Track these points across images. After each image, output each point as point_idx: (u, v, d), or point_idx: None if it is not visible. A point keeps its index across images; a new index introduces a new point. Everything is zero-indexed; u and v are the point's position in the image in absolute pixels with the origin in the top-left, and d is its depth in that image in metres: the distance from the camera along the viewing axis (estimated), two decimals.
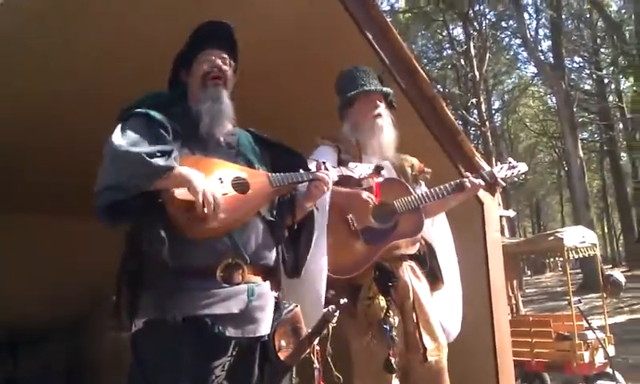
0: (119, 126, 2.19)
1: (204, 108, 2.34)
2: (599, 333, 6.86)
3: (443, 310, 3.20)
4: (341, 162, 3.06)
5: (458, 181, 3.15)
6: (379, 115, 3.18)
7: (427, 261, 3.16)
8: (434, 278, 3.18)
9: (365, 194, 2.96)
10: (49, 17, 3.50)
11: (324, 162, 2.53)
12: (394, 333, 2.86)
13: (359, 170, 2.69)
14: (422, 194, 3.09)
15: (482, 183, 3.16)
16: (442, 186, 3.11)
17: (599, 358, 6.75)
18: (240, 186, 2.24)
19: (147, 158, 2.06)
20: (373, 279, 2.92)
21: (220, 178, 2.22)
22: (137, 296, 2.16)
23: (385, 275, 2.93)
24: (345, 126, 3.24)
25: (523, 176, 3.36)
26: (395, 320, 2.90)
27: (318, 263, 2.79)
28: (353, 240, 2.96)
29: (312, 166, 2.53)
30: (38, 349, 6.59)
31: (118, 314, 2.19)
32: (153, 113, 2.26)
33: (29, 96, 4.26)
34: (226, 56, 2.48)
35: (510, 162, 3.34)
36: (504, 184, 3.50)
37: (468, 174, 3.21)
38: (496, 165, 3.38)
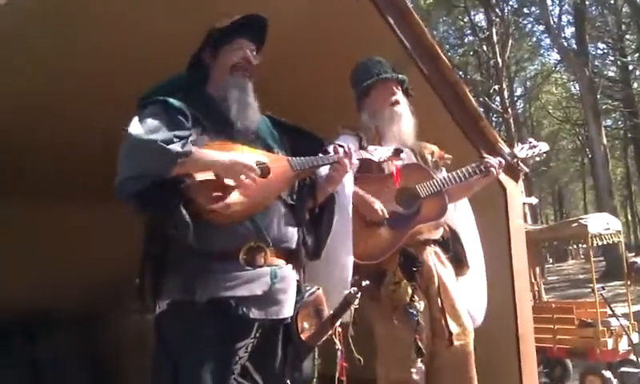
0: (136, 117, 2.19)
1: (232, 96, 2.35)
2: (623, 320, 6.81)
3: (468, 295, 3.20)
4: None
5: (479, 162, 3.14)
6: (397, 102, 3.18)
7: (450, 246, 3.16)
8: (459, 263, 3.18)
9: (378, 206, 2.95)
10: (50, 15, 3.52)
11: (341, 145, 2.53)
12: (420, 318, 2.87)
13: (379, 153, 2.68)
14: (444, 178, 3.09)
15: (504, 164, 3.15)
16: (463, 169, 3.11)
17: (623, 345, 6.71)
18: (261, 170, 2.25)
19: (164, 145, 2.05)
20: (398, 264, 2.93)
21: None
22: (161, 279, 2.18)
23: (409, 260, 2.93)
24: (363, 115, 3.24)
25: (544, 155, 3.35)
26: (421, 305, 2.91)
27: (345, 248, 2.80)
28: (377, 226, 2.96)
29: (331, 149, 2.54)
30: (56, 333, 6.66)
31: (142, 297, 2.21)
32: (171, 100, 2.26)
33: (31, 93, 4.31)
34: (254, 48, 2.48)
35: (530, 142, 3.34)
36: (527, 169, 3.48)
37: (489, 156, 3.19)
38: (516, 145, 3.36)
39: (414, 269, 2.92)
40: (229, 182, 2.15)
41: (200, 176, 2.12)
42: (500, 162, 3.13)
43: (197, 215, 2.09)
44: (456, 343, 2.95)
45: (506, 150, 3.64)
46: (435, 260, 3.05)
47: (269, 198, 2.27)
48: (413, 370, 2.86)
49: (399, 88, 3.24)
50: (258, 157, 2.28)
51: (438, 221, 3.08)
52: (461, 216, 3.35)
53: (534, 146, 3.29)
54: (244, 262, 2.18)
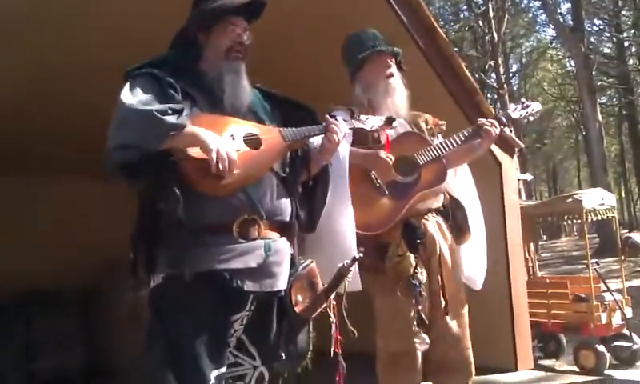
0: (127, 85, 2.17)
1: (226, 80, 2.32)
2: (617, 295, 6.83)
3: (470, 260, 3.20)
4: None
5: (475, 125, 3.13)
6: (391, 75, 3.16)
7: (451, 214, 3.15)
8: (461, 231, 3.16)
9: (383, 154, 2.94)
10: None
11: (332, 115, 2.50)
12: (423, 289, 2.87)
13: (371, 121, 2.65)
14: (441, 143, 3.07)
15: (498, 125, 3.12)
16: (460, 133, 3.09)
17: (616, 320, 6.73)
18: (252, 141, 2.23)
19: (158, 115, 2.04)
20: (401, 236, 2.92)
21: (232, 135, 2.21)
22: (154, 253, 2.17)
23: (413, 232, 2.92)
24: (356, 88, 3.20)
25: (538, 115, 3.34)
26: (423, 276, 2.91)
27: (345, 218, 2.79)
28: (378, 196, 2.94)
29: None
30: (51, 312, 6.69)
31: (136, 272, 2.20)
32: (160, 73, 2.23)
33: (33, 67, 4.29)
34: (247, 26, 2.43)
35: (523, 102, 3.33)
36: (522, 145, 3.46)
37: (483, 120, 3.17)
38: (509, 106, 3.35)
39: (418, 240, 2.92)
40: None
41: (192, 151, 2.10)
42: (493, 122, 3.10)
43: (188, 188, 2.08)
44: (452, 314, 2.95)
45: (506, 130, 3.62)
46: (437, 230, 3.04)
47: (261, 170, 2.24)
48: (415, 340, 2.86)
49: (393, 61, 3.22)
50: (249, 129, 2.26)
51: (439, 186, 3.06)
52: (461, 182, 3.33)
53: (527, 106, 3.28)
54: (237, 235, 2.16)
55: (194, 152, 2.09)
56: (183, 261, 2.09)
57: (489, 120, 3.13)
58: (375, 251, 2.90)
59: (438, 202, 3.10)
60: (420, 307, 2.85)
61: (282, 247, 2.29)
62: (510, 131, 3.84)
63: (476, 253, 3.27)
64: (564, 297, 7.10)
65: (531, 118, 3.35)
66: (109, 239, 4.32)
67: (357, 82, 3.21)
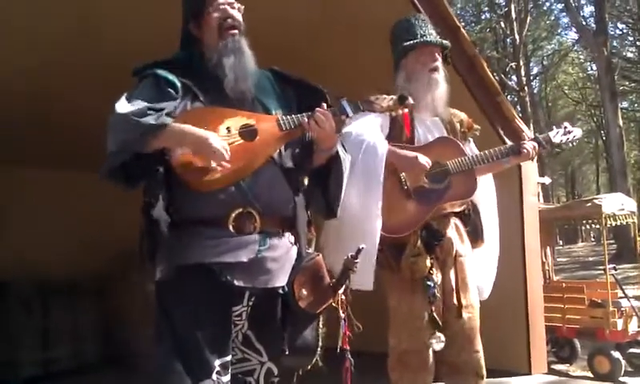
0: (125, 94, 2.16)
1: (227, 63, 2.24)
2: (634, 301, 6.76)
3: (479, 268, 3.17)
4: (392, 120, 3.02)
5: (513, 144, 3.11)
6: (436, 69, 3.07)
7: (470, 219, 3.12)
8: (475, 237, 3.14)
9: (422, 158, 2.89)
10: None
11: (341, 101, 2.32)
12: (437, 290, 2.85)
13: (381, 102, 2.52)
14: (476, 156, 3.02)
15: (538, 149, 3.10)
16: (496, 149, 3.06)
17: (633, 327, 6.67)
18: (247, 133, 2.17)
19: (135, 117, 2.03)
20: (419, 237, 2.89)
21: (228, 128, 2.17)
22: (156, 247, 2.15)
23: (432, 234, 2.89)
24: (399, 77, 3.10)
25: (577, 141, 3.28)
26: (438, 277, 2.88)
27: (373, 214, 2.77)
28: (404, 199, 2.92)
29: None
30: (68, 301, 6.74)
31: (142, 266, 2.20)
32: (161, 71, 2.21)
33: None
34: (233, 0, 2.35)
35: (565, 127, 3.24)
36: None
37: (525, 141, 3.13)
38: (552, 129, 3.28)
39: (436, 243, 2.89)
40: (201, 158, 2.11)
41: (179, 151, 2.09)
42: (535, 146, 3.08)
43: (179, 185, 2.10)
44: (464, 316, 2.93)
45: (527, 131, 3.59)
46: (455, 233, 3.02)
47: (254, 162, 2.17)
48: (428, 340, 2.84)
49: (440, 54, 3.13)
50: (245, 120, 2.20)
51: (466, 199, 3.04)
52: (483, 190, 3.28)
53: (569, 132, 3.21)
54: (233, 229, 2.13)
55: (184, 153, 2.09)
56: (176, 254, 2.10)
57: (530, 141, 3.09)
58: (392, 250, 2.88)
59: (460, 206, 3.07)
60: (434, 308, 2.83)
61: (282, 242, 2.24)
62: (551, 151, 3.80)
63: (486, 262, 3.26)
64: (580, 302, 7.05)
65: (570, 145, 3.30)
66: (125, 231, 4.34)
67: (400, 69, 3.12)
